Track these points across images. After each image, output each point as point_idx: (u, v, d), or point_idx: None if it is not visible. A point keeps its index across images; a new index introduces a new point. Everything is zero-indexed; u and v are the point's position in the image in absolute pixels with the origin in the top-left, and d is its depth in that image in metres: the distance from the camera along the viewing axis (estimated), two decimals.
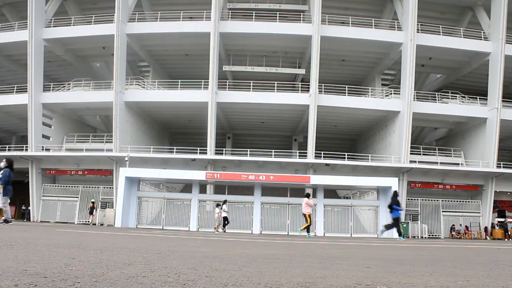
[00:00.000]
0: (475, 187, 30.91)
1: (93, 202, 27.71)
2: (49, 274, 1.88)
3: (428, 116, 30.61)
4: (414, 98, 29.19)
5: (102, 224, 26.11)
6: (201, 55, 30.82)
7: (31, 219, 30.02)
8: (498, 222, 29.91)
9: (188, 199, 26.44)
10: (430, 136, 39.28)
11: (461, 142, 33.10)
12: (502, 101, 29.22)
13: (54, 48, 31.58)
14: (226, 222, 22.53)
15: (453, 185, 31.01)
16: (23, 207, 35.22)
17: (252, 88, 30.71)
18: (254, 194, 26.29)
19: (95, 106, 32.29)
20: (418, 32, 29.00)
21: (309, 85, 30.03)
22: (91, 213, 27.14)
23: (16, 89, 31.61)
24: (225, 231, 21.67)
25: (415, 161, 29.76)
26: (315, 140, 28.74)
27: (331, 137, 37.02)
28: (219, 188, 28.59)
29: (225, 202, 22.95)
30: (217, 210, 22.98)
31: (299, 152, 32.31)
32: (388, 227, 15.68)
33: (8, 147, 32.70)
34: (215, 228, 22.86)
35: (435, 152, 32.34)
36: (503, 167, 29.64)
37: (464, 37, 30.09)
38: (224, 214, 22.45)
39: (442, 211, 30.06)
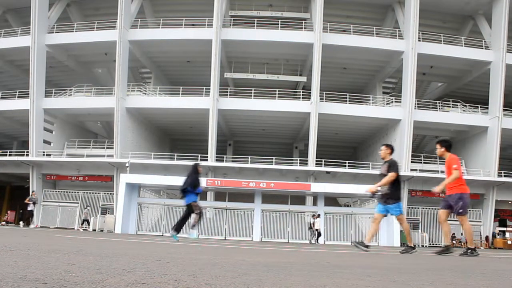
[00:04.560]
0: (476, 196, 30.83)
1: (33, 192, 25.92)
2: (48, 280, 1.88)
3: (429, 125, 30.62)
4: (415, 106, 29.23)
5: (102, 230, 26.04)
6: (203, 62, 30.96)
7: (31, 225, 29.93)
8: (499, 231, 29.83)
9: None
10: (431, 144, 39.24)
11: (462, 150, 33.06)
12: (503, 110, 29.26)
13: (57, 54, 31.74)
14: (318, 235, 23.35)
15: None
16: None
17: (254, 96, 30.80)
18: (255, 201, 26.26)
19: (97, 112, 32.38)
20: (419, 40, 29.12)
21: (310, 92, 30.10)
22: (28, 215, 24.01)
23: (18, 95, 31.72)
24: (314, 243, 22.34)
25: (416, 170, 29.75)
26: (316, 148, 28.75)
27: (332, 145, 37.04)
28: (220, 195, 28.57)
29: (318, 216, 23.73)
30: (312, 220, 23.83)
31: (300, 160, 32.31)
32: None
33: (9, 152, 32.74)
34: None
35: (436, 161, 32.29)
36: (504, 176, 29.61)
37: (465, 46, 30.21)
38: (316, 227, 23.16)
39: None
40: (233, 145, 40.09)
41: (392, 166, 7.96)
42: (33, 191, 25.72)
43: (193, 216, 10.08)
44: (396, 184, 7.91)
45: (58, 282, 1.84)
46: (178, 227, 10.08)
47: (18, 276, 1.95)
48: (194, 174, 10.16)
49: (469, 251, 7.35)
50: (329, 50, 29.06)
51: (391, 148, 8.22)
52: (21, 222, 24.79)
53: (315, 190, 25.93)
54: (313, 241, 23.17)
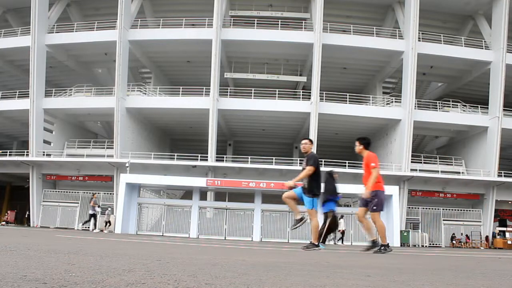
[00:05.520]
0: (476, 196, 30.84)
1: (94, 194, 24.44)
2: (48, 280, 1.88)
3: (429, 125, 30.63)
4: (415, 106, 29.23)
5: (102, 230, 26.04)
6: (203, 62, 30.96)
7: (31, 225, 29.97)
8: (500, 231, 29.85)
9: (188, 205, 26.41)
10: (431, 144, 39.28)
11: (462, 150, 33.08)
12: (503, 110, 29.27)
13: (57, 54, 31.73)
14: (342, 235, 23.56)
15: (454, 193, 30.94)
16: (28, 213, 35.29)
17: (254, 96, 30.80)
18: (255, 201, 26.26)
19: (97, 112, 32.39)
20: (419, 40, 29.12)
21: (310, 92, 30.10)
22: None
23: (18, 95, 31.72)
24: (336, 244, 22.54)
25: (416, 170, 29.74)
26: (316, 148, 28.72)
27: (332, 145, 37.02)
28: (220, 195, 28.57)
29: (342, 217, 23.64)
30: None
31: (300, 160, 32.27)
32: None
33: (9, 152, 32.74)
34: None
35: (436, 161, 32.32)
36: (504, 176, 29.60)
37: (465, 46, 30.22)
38: (339, 227, 23.23)
39: (443, 220, 29.98)
40: (233, 145, 40.08)
41: (311, 159, 7.84)
42: (94, 194, 24.19)
43: (327, 224, 10.07)
44: (314, 178, 7.77)
45: (58, 282, 1.84)
46: (323, 236, 10.13)
47: (18, 276, 1.95)
48: (331, 181, 10.22)
49: (382, 247, 7.37)
50: (329, 50, 29.05)
51: (312, 142, 8.22)
52: (90, 225, 23.14)
53: None
54: (337, 242, 23.37)
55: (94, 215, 22.31)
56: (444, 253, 10.72)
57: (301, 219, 7.77)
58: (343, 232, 23.68)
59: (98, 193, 24.36)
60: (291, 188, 7.83)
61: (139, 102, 31.20)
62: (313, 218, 7.84)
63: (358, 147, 7.69)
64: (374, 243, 7.49)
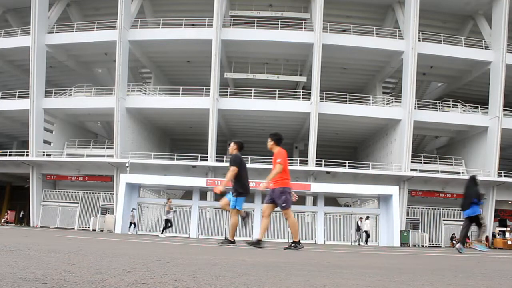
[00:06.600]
0: None
1: (169, 199, 22.22)
2: (48, 280, 1.88)
3: (429, 125, 30.62)
4: (415, 106, 29.22)
5: (102, 230, 26.05)
6: (203, 62, 30.95)
7: (31, 225, 29.97)
8: (499, 231, 29.86)
9: (188, 206, 26.40)
10: (431, 144, 39.26)
11: (462, 150, 33.07)
12: (503, 110, 29.26)
13: (57, 54, 31.73)
14: (367, 236, 24.04)
15: (454, 193, 30.89)
16: (22, 213, 35.33)
17: (254, 96, 30.79)
18: (254, 201, 26.26)
19: (97, 112, 32.38)
20: (419, 40, 29.11)
21: (310, 92, 30.08)
22: None
23: (18, 95, 31.71)
24: (362, 244, 23.07)
25: (416, 170, 29.74)
26: (316, 148, 28.75)
27: (332, 145, 37.02)
28: (220, 196, 28.47)
29: (367, 218, 24.18)
30: (359, 222, 24.40)
31: (300, 160, 32.28)
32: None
33: (9, 152, 32.73)
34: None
35: (436, 161, 32.31)
36: (504, 176, 29.60)
37: (465, 46, 30.21)
38: (365, 228, 23.77)
39: (443, 220, 29.96)
40: None
41: (232, 160, 8.05)
42: (169, 199, 22.21)
43: (475, 228, 10.49)
44: (237, 177, 7.94)
45: (58, 282, 1.84)
46: (463, 240, 10.56)
47: (18, 276, 1.95)
48: (474, 186, 10.40)
49: (293, 244, 7.39)
50: (329, 50, 29.04)
51: (237, 144, 8.28)
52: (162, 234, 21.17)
53: (315, 190, 25.93)
54: (361, 243, 23.46)
55: (169, 220, 21.35)
56: (444, 253, 10.72)
57: (244, 217, 7.94)
58: (367, 233, 23.96)
59: (170, 198, 22.87)
60: (222, 192, 7.98)
61: (139, 102, 31.20)
62: (233, 216, 8.03)
63: (270, 142, 7.79)
64: (295, 244, 7.48)
